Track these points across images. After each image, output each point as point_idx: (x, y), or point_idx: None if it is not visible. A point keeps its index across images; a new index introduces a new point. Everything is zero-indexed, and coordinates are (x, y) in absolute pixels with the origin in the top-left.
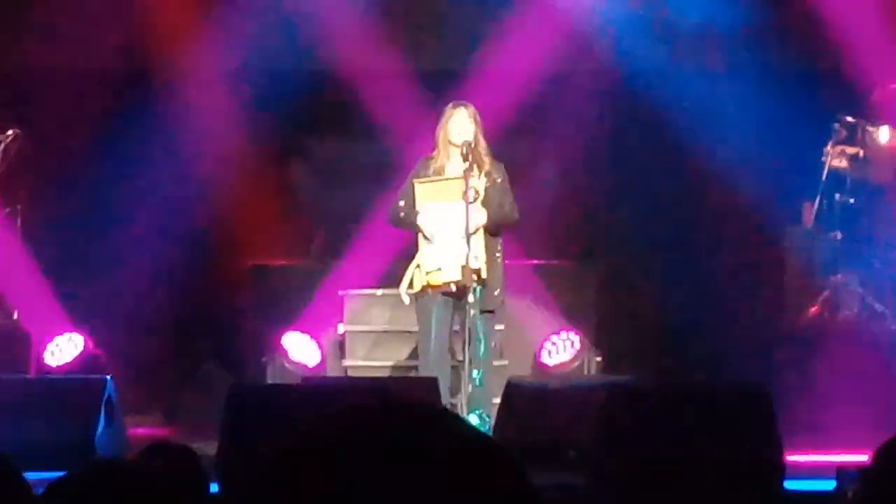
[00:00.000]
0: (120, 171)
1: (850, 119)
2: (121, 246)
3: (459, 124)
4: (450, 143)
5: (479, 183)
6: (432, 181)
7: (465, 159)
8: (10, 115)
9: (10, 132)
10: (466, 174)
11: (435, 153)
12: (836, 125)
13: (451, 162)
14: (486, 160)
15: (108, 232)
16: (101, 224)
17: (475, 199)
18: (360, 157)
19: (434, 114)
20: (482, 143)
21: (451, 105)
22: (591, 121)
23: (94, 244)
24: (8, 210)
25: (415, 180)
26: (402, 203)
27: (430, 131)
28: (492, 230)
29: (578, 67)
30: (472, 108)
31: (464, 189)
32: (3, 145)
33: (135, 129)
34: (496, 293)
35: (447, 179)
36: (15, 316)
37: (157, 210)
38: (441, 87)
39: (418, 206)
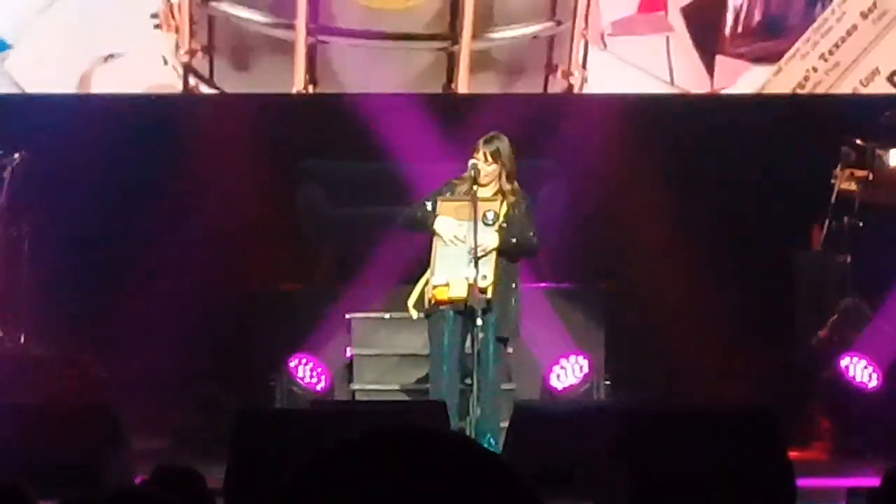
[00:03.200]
0: (128, 196)
1: (859, 142)
2: (128, 270)
3: (480, 162)
4: (475, 169)
5: (498, 207)
6: (454, 200)
7: (474, 181)
8: (18, 139)
9: (16, 155)
10: (473, 195)
11: (463, 177)
12: (846, 148)
13: (478, 190)
14: (510, 187)
15: (115, 256)
16: (108, 248)
17: (494, 223)
18: (368, 179)
19: (442, 135)
20: (508, 177)
21: (482, 140)
22: (601, 143)
23: (101, 268)
24: (15, 233)
25: (438, 197)
26: (420, 206)
27: (439, 152)
28: (508, 256)
29: (589, 90)
30: (495, 144)
31: (482, 211)
32: (9, 168)
33: (142, 154)
34: (512, 320)
35: (467, 200)
36: (21, 340)
37: (165, 234)
38: (450, 107)
39: (437, 219)
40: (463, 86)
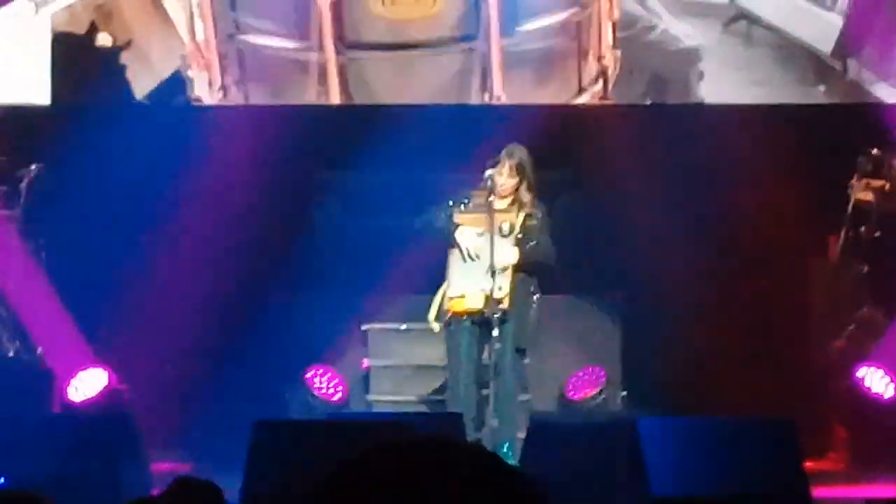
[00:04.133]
0: (142, 206)
1: (875, 152)
2: (145, 281)
3: (503, 176)
4: (492, 181)
5: (515, 218)
6: (471, 212)
7: (490, 194)
8: (34, 149)
9: (33, 166)
10: (490, 207)
11: (481, 188)
12: (862, 158)
13: (494, 200)
14: (528, 200)
15: (131, 267)
16: (124, 259)
17: (510, 234)
18: (384, 189)
19: (458, 145)
20: (528, 189)
21: (505, 151)
22: (615, 153)
23: (117, 279)
24: (32, 245)
25: (455, 209)
26: (438, 215)
27: (453, 162)
28: (526, 269)
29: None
30: (517, 156)
31: (499, 223)
32: (27, 180)
33: (157, 164)
34: (529, 330)
35: (483, 212)
36: (39, 351)
37: (180, 245)
38: (465, 117)
39: (459, 231)
40: (497, 84)
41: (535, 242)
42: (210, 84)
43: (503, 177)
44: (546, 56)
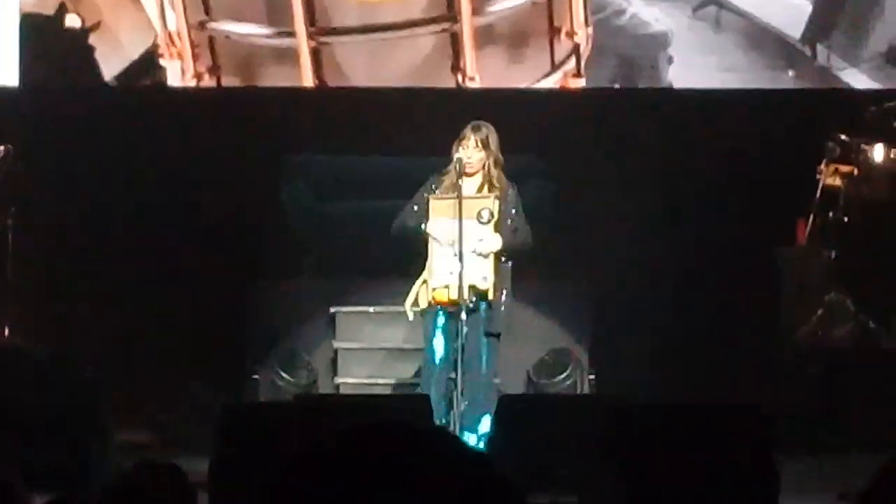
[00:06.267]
0: (113, 190)
1: (844, 137)
2: (111, 263)
3: (468, 149)
4: (460, 164)
5: (492, 205)
6: (445, 198)
7: (459, 175)
8: (2, 131)
9: (1, 147)
10: (459, 190)
11: (447, 170)
12: (831, 143)
13: (464, 182)
14: (496, 175)
15: (97, 250)
16: (90, 242)
17: (489, 221)
18: (353, 173)
19: (432, 128)
20: (496, 165)
21: (469, 126)
22: (583, 138)
23: (83, 262)
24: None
25: (428, 195)
26: (413, 209)
27: (428, 145)
28: (505, 255)
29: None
30: (484, 131)
31: (477, 209)
32: None
33: (130, 146)
34: (502, 315)
35: (460, 198)
36: (6, 334)
37: (147, 227)
38: (442, 100)
39: (430, 220)
40: (471, 65)
41: (515, 228)
42: (183, 73)
43: (468, 150)
44: (518, 35)
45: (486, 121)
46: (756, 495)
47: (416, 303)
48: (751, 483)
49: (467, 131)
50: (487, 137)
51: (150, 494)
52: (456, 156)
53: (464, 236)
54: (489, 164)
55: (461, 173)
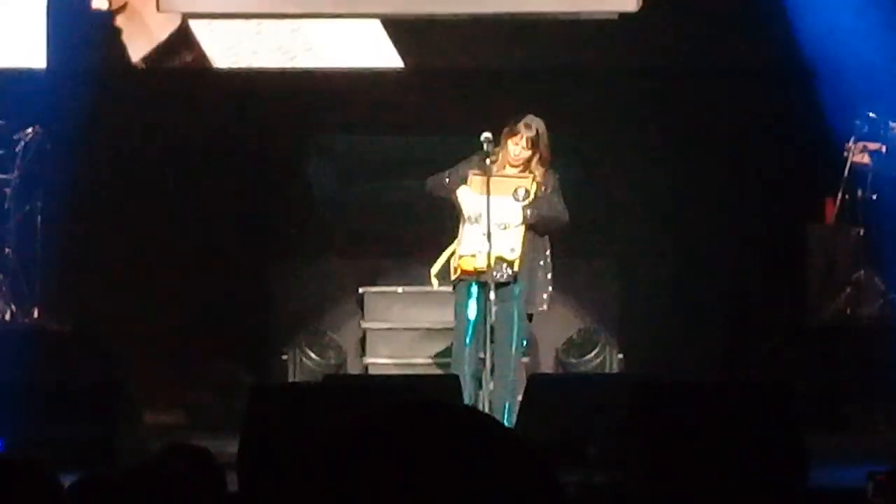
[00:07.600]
0: (141, 170)
1: (872, 115)
2: (140, 245)
3: (518, 146)
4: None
5: (530, 185)
6: (484, 174)
7: (487, 156)
8: (30, 113)
9: (29, 130)
10: (488, 171)
11: (494, 151)
12: (858, 121)
13: (505, 169)
14: (539, 171)
15: (126, 230)
16: (118, 223)
17: (524, 199)
18: (381, 154)
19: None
20: (538, 158)
21: (522, 123)
22: (612, 116)
23: (112, 243)
24: (28, 207)
25: (470, 170)
26: (447, 174)
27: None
28: (540, 230)
29: (598, 62)
30: (535, 129)
31: (514, 187)
32: (23, 143)
33: (156, 128)
34: (543, 297)
35: (498, 176)
36: (35, 315)
37: (180, 209)
38: (464, 82)
39: (466, 193)
40: None
41: (545, 205)
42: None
43: (518, 147)
44: None
45: (513, 99)
46: (785, 472)
47: (440, 274)
48: (779, 460)
49: (520, 127)
50: (537, 135)
51: (179, 477)
52: (507, 141)
53: (494, 211)
54: (534, 161)
55: (502, 157)
